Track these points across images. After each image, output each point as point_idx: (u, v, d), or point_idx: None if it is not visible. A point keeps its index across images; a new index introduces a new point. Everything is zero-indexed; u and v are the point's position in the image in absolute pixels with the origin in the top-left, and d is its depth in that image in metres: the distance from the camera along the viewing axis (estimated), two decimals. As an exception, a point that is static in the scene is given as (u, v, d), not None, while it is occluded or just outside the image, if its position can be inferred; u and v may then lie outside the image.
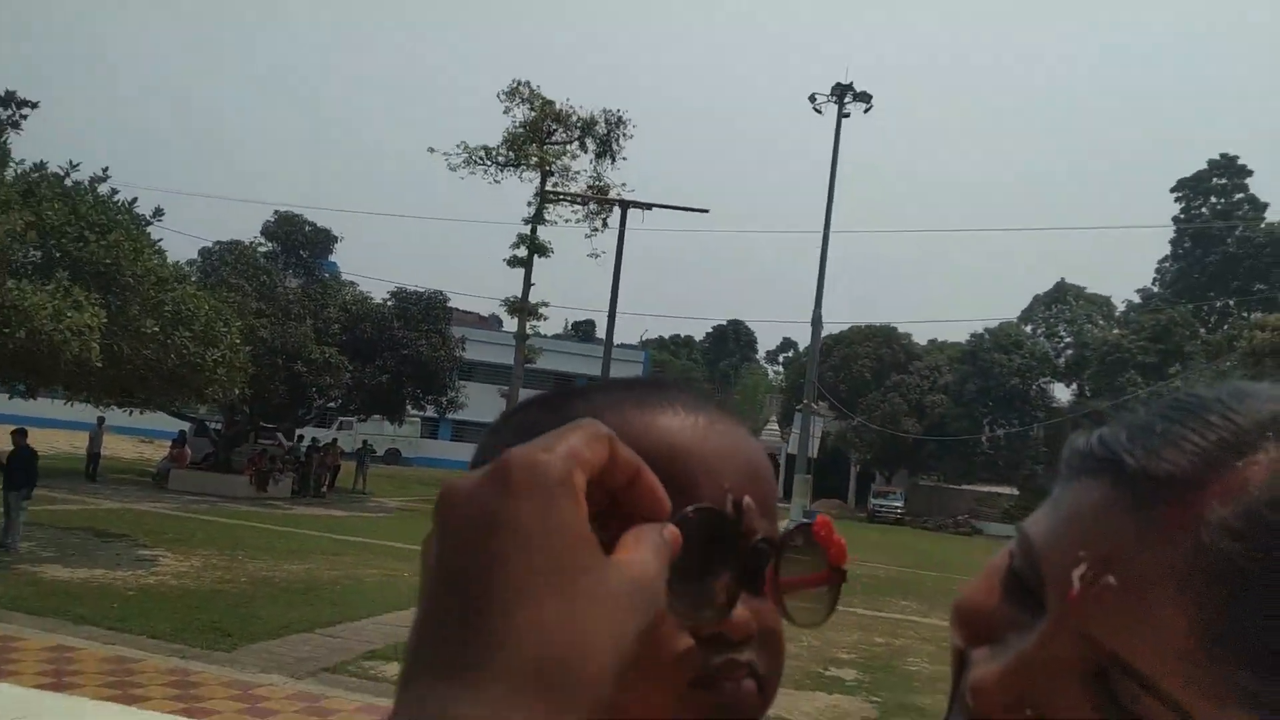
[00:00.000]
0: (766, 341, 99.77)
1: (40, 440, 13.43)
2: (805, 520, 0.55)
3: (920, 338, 51.98)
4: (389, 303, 29.12)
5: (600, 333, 35.70)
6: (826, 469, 47.73)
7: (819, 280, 28.79)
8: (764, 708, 0.57)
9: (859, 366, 47.18)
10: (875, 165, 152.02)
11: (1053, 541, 0.48)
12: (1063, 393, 49.60)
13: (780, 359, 79.22)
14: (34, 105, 13.37)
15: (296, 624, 9.49)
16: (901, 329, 51.01)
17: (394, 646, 8.96)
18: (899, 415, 43.87)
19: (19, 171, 13.39)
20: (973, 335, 48.45)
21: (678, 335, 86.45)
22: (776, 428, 52.50)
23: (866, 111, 35.03)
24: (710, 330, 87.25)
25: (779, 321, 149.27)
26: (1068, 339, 52.82)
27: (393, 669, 8.23)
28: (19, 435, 13.05)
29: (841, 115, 34.15)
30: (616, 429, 0.46)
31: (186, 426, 26.96)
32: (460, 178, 36.09)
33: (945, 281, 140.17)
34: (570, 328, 70.30)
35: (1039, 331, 53.65)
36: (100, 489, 21.12)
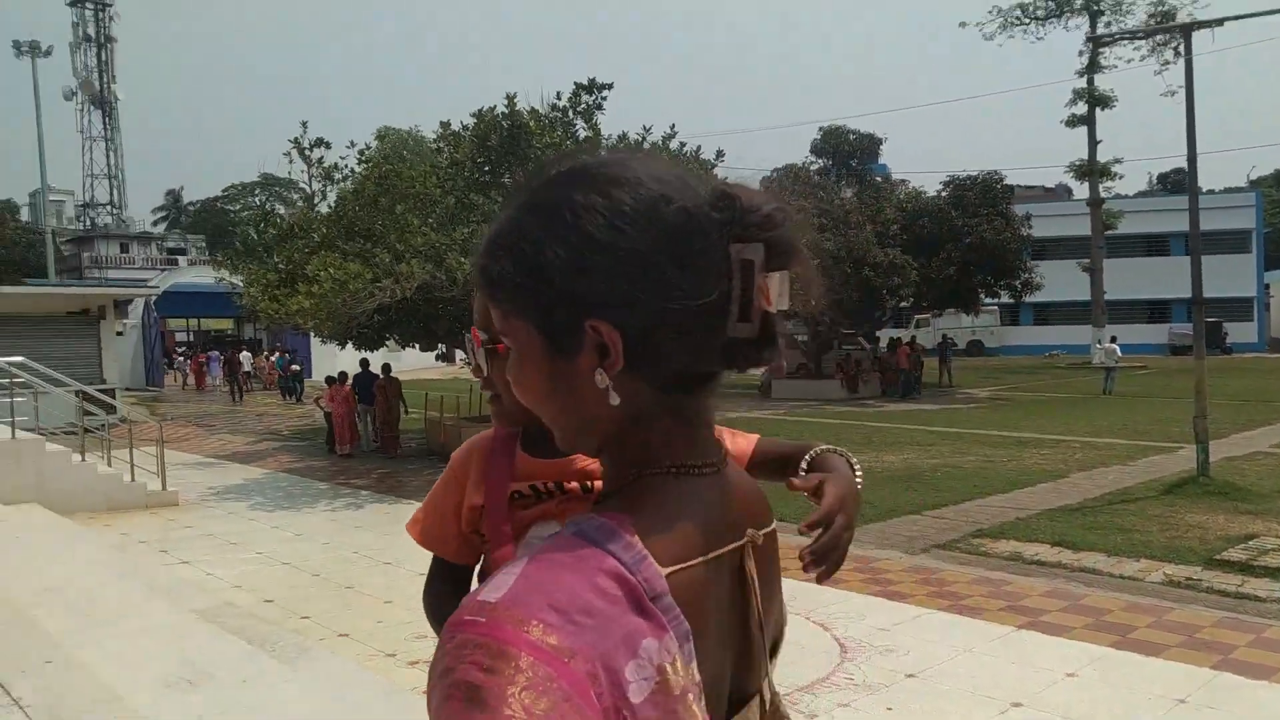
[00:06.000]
0: None
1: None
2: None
3: None
4: (943, 194, 28.60)
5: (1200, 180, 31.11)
6: None
7: None
8: (507, 414, 1.28)
9: None
10: None
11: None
12: None
13: None
14: (610, 86, 15.36)
15: (903, 507, 10.08)
16: None
17: (999, 526, 9.09)
18: None
19: (608, 146, 15.66)
20: None
21: (1299, 165, 71.93)
22: None
23: None
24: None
25: None
26: None
27: (1001, 546, 8.39)
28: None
29: None
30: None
31: (778, 342, 29.45)
32: (998, 45, 33.93)
33: None
34: (1155, 181, 62.42)
35: None
36: (719, 401, 24.12)
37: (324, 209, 14.92)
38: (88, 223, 61.33)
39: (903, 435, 16.54)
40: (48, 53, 42.89)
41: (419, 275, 12.11)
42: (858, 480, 1.10)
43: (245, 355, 32.22)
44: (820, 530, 0.90)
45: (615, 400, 0.82)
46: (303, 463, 15.26)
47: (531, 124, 13.80)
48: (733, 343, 0.83)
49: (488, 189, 13.79)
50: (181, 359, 37.90)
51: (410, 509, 8.75)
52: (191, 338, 46.91)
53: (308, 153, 14.65)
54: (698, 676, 0.76)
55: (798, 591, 6.95)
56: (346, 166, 15.11)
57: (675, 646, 0.74)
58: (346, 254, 12.42)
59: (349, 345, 16.34)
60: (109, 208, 62.47)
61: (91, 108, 62.39)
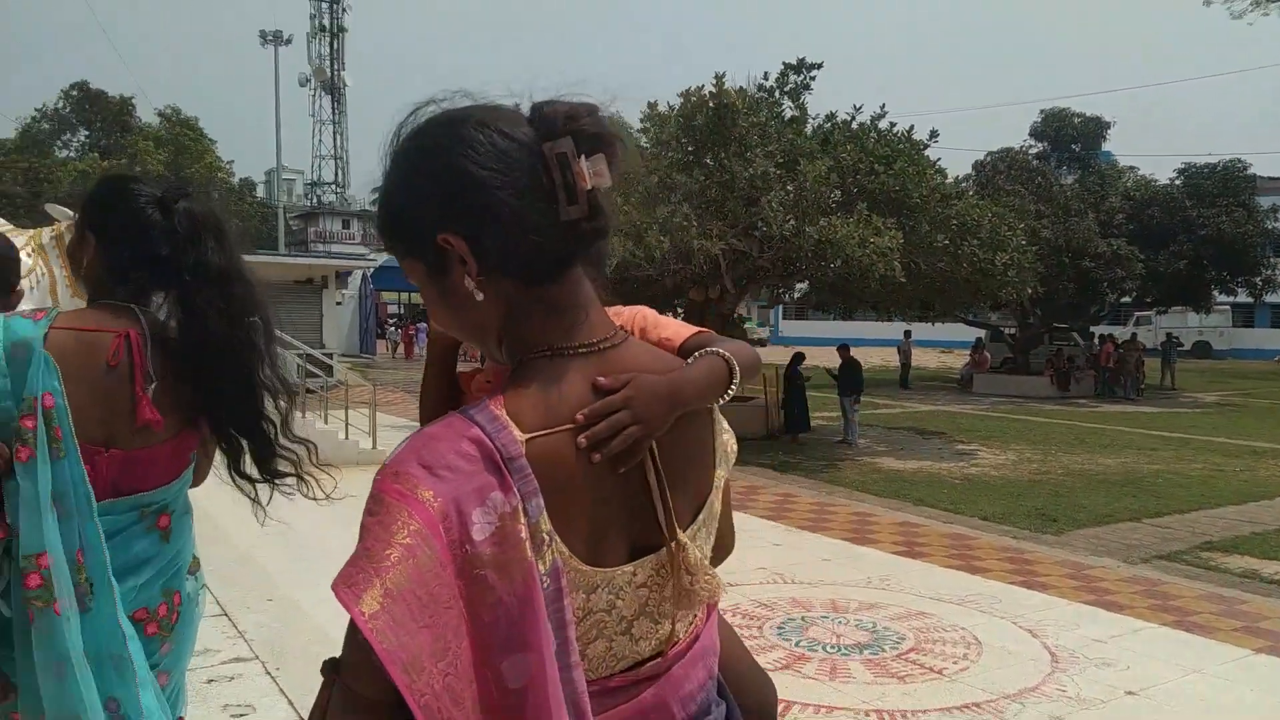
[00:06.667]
0: None
1: (856, 355, 15.32)
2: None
3: None
4: (1176, 181, 26.37)
5: None
6: None
7: None
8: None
9: None
10: None
11: None
12: None
13: None
14: (819, 66, 14.99)
15: (1121, 513, 9.35)
16: None
17: (1232, 540, 8.28)
18: None
19: (815, 125, 15.27)
20: None
21: None
22: None
23: None
24: None
25: None
26: None
27: (1234, 561, 7.63)
28: (844, 350, 15.12)
29: None
30: None
31: (982, 334, 28.10)
32: (1248, 24, 30.65)
33: None
34: None
35: None
36: (913, 394, 23.32)
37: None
38: (314, 200, 66.02)
39: (1119, 438, 15.40)
40: (288, 41, 46.22)
41: (619, 252, 12.21)
42: (729, 392, 1.16)
43: (450, 328, 33.73)
44: (597, 419, 0.99)
45: (480, 296, 1.01)
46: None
47: (738, 103, 13.60)
48: (569, 225, 0.99)
49: (690, 169, 13.73)
50: (393, 329, 40.15)
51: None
52: (402, 310, 49.69)
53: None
54: (547, 525, 0.94)
55: (1002, 594, 6.55)
56: (552, 146, 15.40)
57: (518, 501, 0.92)
58: (551, 231, 12.65)
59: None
60: (333, 186, 67.00)
61: (323, 93, 66.97)
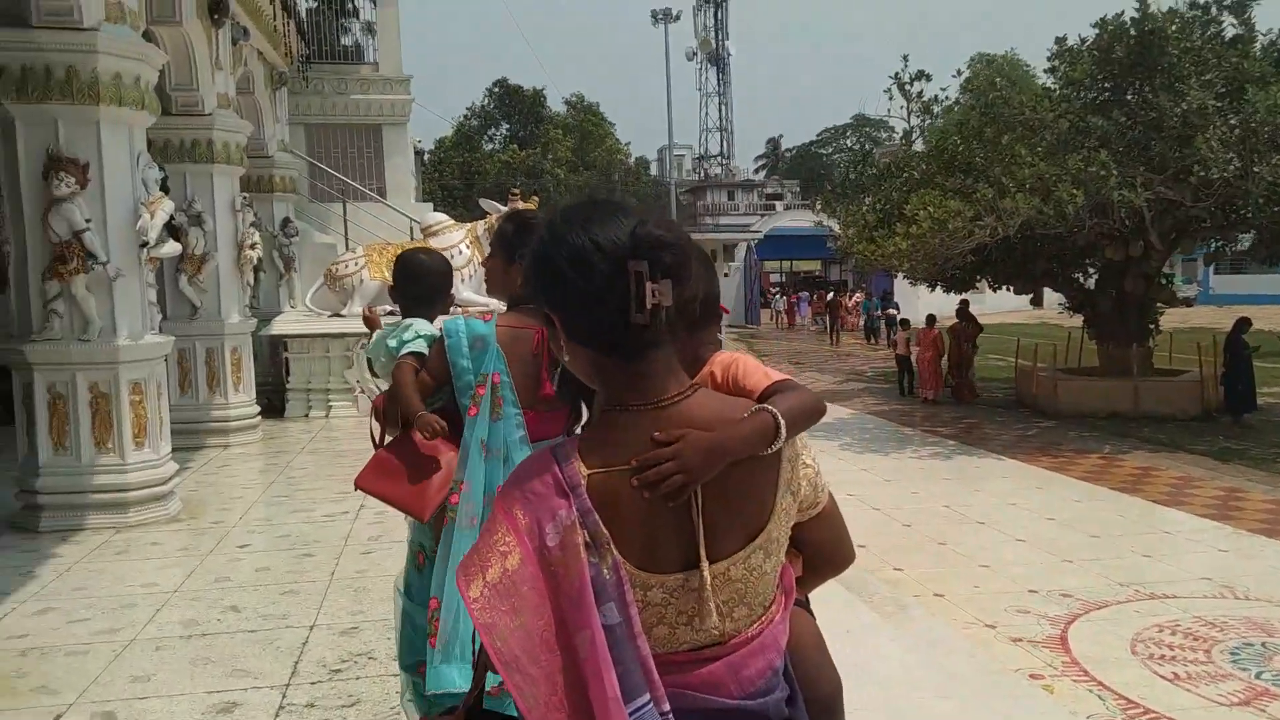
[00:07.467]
0: None
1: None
2: None
3: None
4: None
5: None
6: None
7: None
8: None
9: None
10: None
11: None
12: None
13: None
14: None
15: None
16: None
17: None
18: None
19: (1266, 43, 12.96)
20: None
21: None
22: None
23: None
24: None
25: None
26: None
27: None
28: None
29: None
30: None
31: None
32: None
33: None
34: None
35: None
36: None
37: (919, 145, 14.54)
38: (701, 174, 68.44)
39: None
40: (677, 18, 48.04)
41: (1024, 210, 11.14)
42: (775, 444, 1.31)
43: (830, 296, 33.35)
44: (649, 466, 1.22)
45: (565, 358, 1.35)
46: (886, 405, 15.29)
47: (1168, 26, 11.88)
48: (636, 327, 1.24)
49: (1108, 109, 12.20)
50: (776, 296, 40.51)
51: (995, 465, 8.05)
52: (784, 279, 50.05)
53: (907, 87, 14.33)
54: (604, 533, 1.21)
55: None
56: (946, 98, 14.54)
57: (576, 516, 1.21)
58: (946, 191, 11.87)
59: (937, 287, 15.83)
60: (719, 159, 68.97)
61: (708, 65, 69.02)
